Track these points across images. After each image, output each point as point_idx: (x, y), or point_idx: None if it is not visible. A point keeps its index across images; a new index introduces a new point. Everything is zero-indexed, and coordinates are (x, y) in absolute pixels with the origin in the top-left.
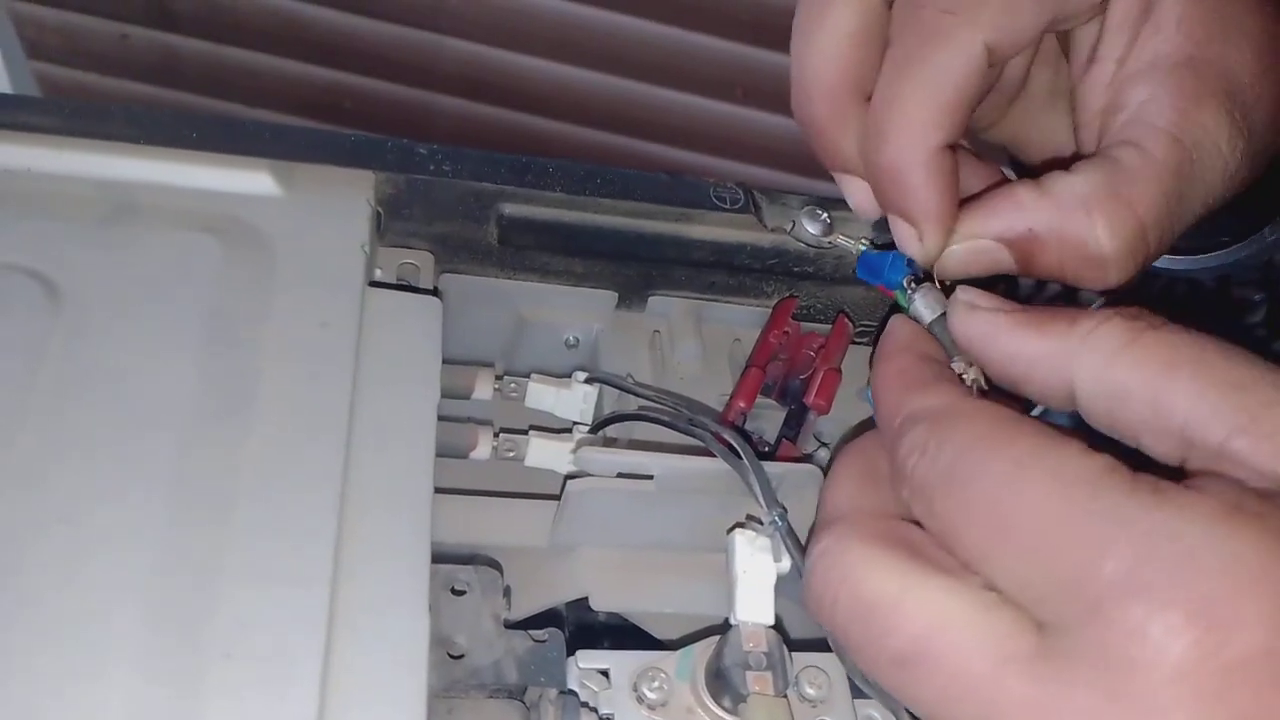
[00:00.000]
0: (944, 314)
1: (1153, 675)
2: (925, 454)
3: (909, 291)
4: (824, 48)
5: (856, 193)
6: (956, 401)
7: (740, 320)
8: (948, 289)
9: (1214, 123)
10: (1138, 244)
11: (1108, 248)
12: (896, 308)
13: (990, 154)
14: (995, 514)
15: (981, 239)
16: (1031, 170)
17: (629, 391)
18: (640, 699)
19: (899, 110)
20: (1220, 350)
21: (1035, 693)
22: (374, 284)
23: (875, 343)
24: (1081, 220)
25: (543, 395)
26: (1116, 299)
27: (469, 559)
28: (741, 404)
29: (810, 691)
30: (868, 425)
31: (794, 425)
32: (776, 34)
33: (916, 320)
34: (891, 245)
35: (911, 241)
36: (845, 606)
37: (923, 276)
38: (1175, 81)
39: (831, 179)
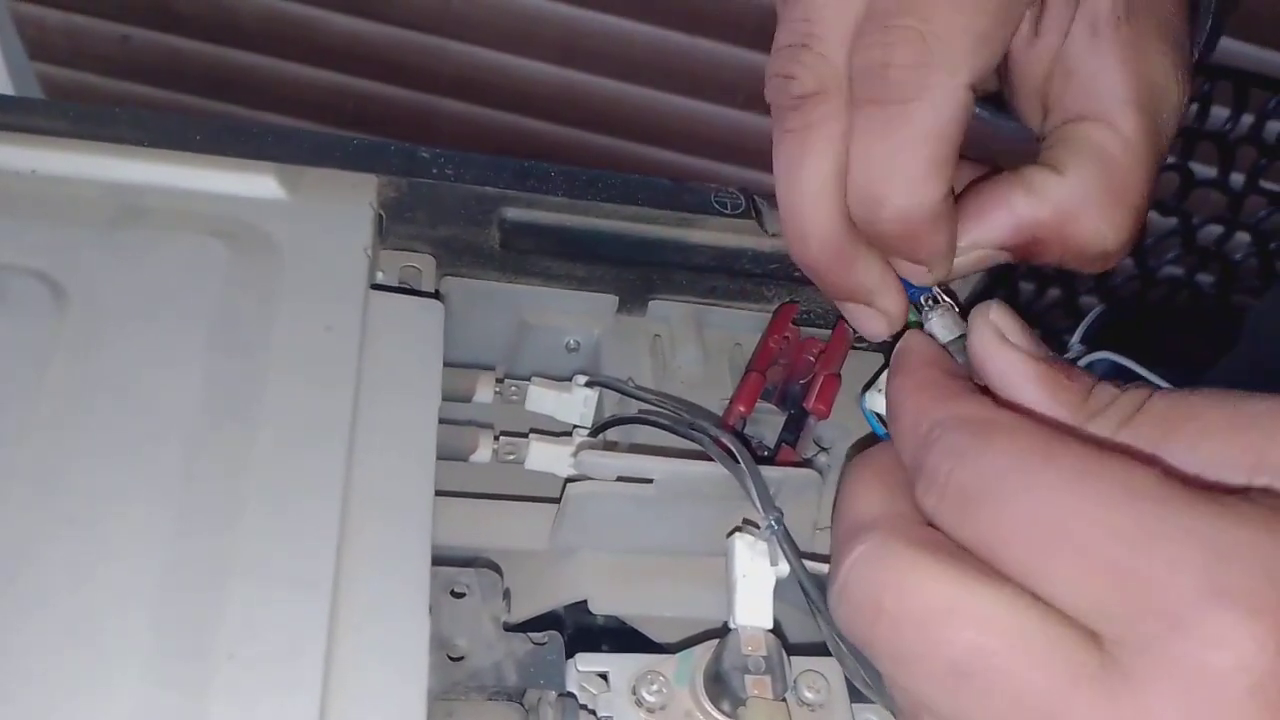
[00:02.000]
0: (962, 335)
1: (1236, 684)
2: (965, 460)
3: (925, 309)
4: (811, 192)
5: (867, 321)
6: (997, 411)
7: (741, 325)
8: (962, 308)
9: (1164, 75)
10: (1136, 228)
11: (1112, 243)
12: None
13: None
14: (1052, 525)
15: (981, 250)
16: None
17: (629, 395)
18: (639, 702)
19: (897, 176)
20: (1215, 400)
21: (1107, 708)
22: (376, 287)
23: (887, 356)
24: (1084, 223)
25: (543, 399)
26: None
27: (469, 561)
28: (741, 408)
29: (809, 695)
30: (871, 440)
31: (794, 430)
32: None
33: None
34: None
35: (920, 276)
36: (892, 615)
37: (936, 296)
38: (1121, 41)
39: None
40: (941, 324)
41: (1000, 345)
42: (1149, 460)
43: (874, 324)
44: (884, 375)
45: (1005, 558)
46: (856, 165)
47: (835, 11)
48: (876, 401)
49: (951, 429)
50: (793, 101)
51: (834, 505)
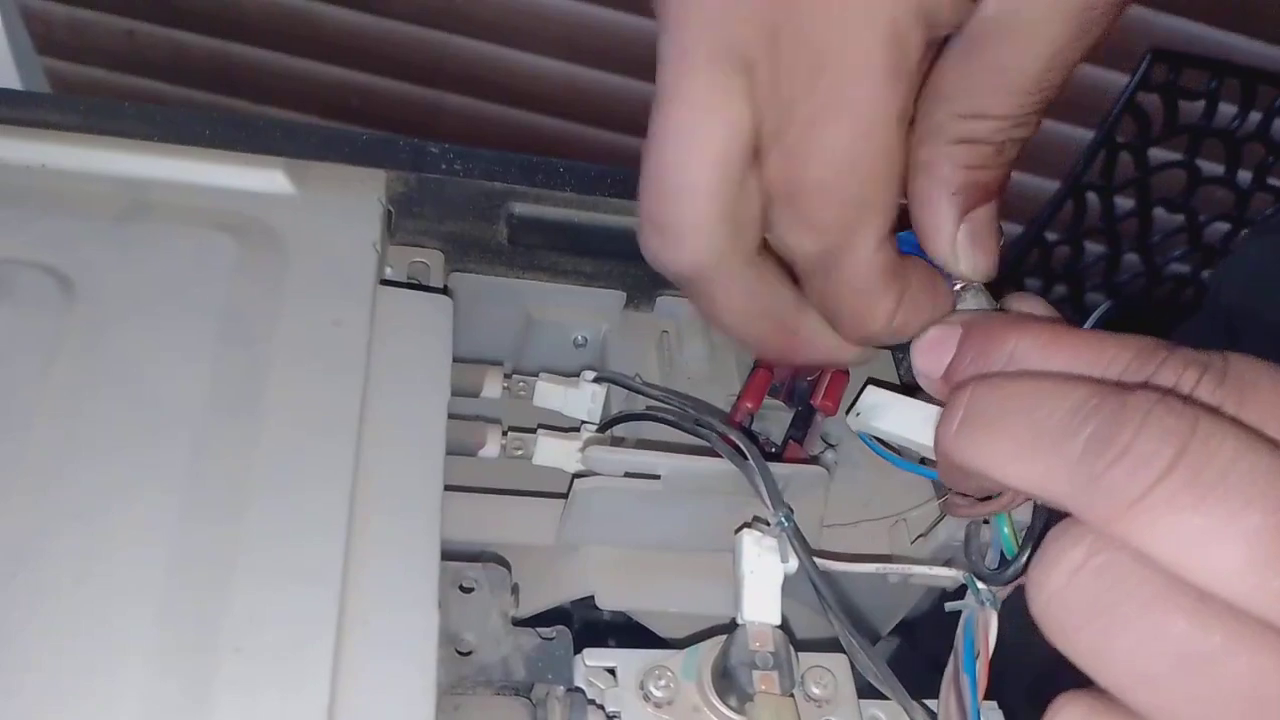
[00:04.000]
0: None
1: None
2: (1211, 369)
3: (957, 289)
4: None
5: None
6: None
7: None
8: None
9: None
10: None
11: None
12: None
13: None
14: None
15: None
16: None
17: (637, 391)
18: (647, 697)
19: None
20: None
21: None
22: (385, 282)
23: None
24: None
25: (551, 394)
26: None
27: (477, 556)
28: (749, 405)
29: (816, 691)
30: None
31: (801, 426)
32: None
33: None
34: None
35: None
36: (1203, 442)
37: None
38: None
39: None
40: (975, 303)
41: (1057, 317)
42: None
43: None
44: (866, 394)
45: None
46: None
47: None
48: (861, 423)
49: (1178, 350)
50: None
51: (1007, 403)
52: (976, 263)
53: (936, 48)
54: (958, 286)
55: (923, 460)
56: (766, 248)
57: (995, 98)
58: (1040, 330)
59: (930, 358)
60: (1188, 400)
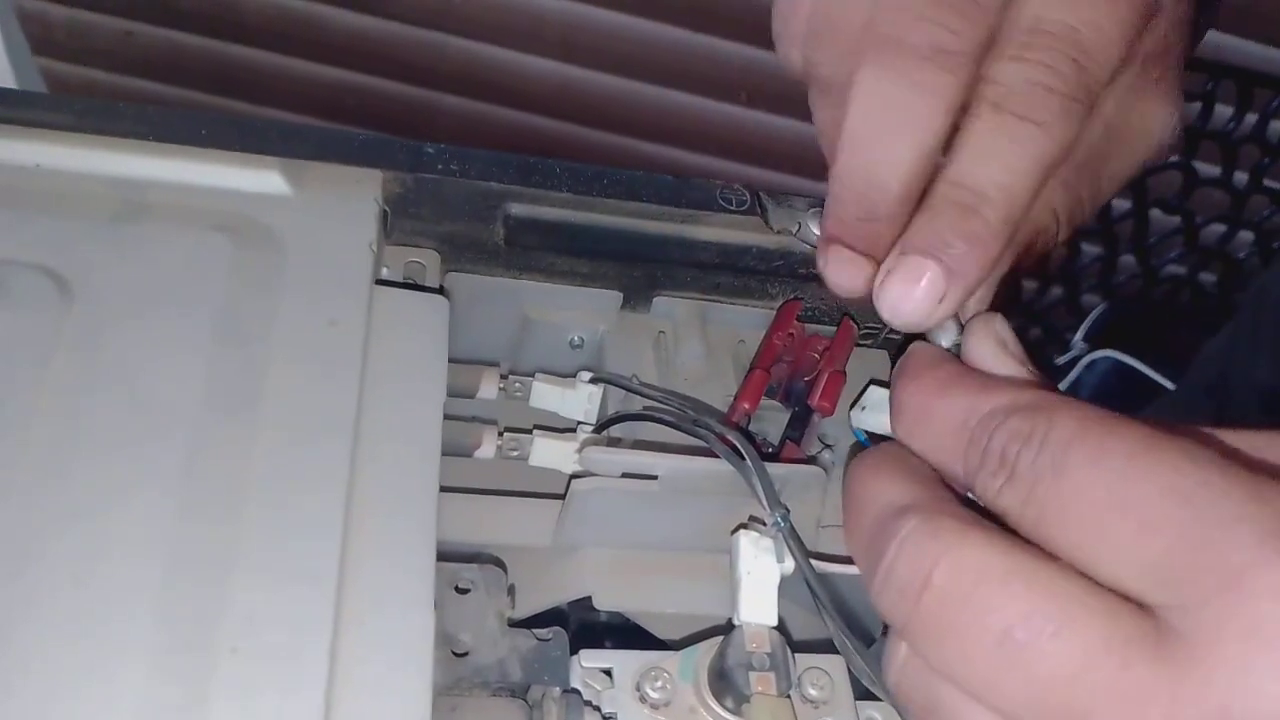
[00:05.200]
0: (957, 344)
1: None
2: (1031, 442)
3: None
4: (914, 146)
5: (853, 269)
6: (1049, 394)
7: (745, 322)
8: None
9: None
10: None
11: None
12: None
13: None
14: (1115, 491)
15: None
16: None
17: (633, 392)
18: (643, 698)
19: (1013, 187)
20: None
21: (1165, 673)
22: (381, 282)
23: (896, 358)
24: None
25: (547, 395)
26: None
27: (473, 557)
28: (746, 405)
29: (813, 692)
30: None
31: (798, 427)
32: None
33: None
34: None
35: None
36: (940, 587)
37: None
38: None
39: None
40: (947, 331)
41: (1003, 356)
42: (1204, 439)
43: (858, 274)
44: (870, 392)
45: (1059, 534)
46: (973, 156)
47: None
48: (864, 420)
49: (1009, 413)
50: (934, 53)
51: (851, 501)
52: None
53: None
54: None
55: None
56: None
57: None
58: (918, 386)
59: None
60: (978, 513)
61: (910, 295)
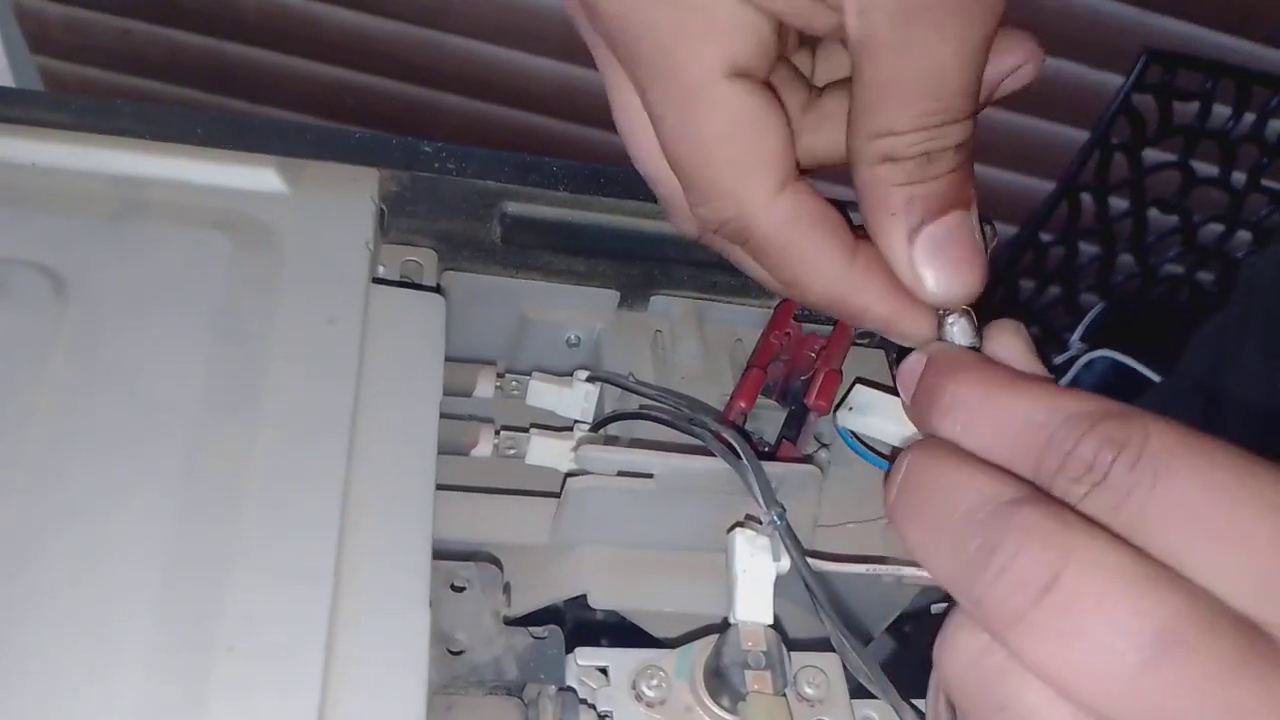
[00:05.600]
0: (974, 348)
1: None
2: (1129, 449)
3: (941, 314)
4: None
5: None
6: (1132, 407)
7: (742, 320)
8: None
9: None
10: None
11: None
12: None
13: None
14: (1226, 509)
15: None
16: None
17: (630, 390)
18: (639, 697)
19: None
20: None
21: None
22: (377, 281)
23: (894, 357)
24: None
25: (544, 393)
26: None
27: (469, 556)
28: (742, 404)
29: (808, 691)
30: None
31: (794, 426)
32: None
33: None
34: None
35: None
36: (1070, 586)
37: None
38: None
39: (830, 182)
40: (962, 332)
41: (1031, 360)
42: None
43: (922, 324)
44: (856, 393)
45: (1155, 544)
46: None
47: None
48: (851, 420)
49: (1104, 419)
50: None
51: (927, 490)
52: (946, 280)
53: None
54: (945, 315)
55: None
56: None
57: (894, 114)
58: (981, 381)
59: (903, 386)
60: (1077, 512)
61: (945, 258)
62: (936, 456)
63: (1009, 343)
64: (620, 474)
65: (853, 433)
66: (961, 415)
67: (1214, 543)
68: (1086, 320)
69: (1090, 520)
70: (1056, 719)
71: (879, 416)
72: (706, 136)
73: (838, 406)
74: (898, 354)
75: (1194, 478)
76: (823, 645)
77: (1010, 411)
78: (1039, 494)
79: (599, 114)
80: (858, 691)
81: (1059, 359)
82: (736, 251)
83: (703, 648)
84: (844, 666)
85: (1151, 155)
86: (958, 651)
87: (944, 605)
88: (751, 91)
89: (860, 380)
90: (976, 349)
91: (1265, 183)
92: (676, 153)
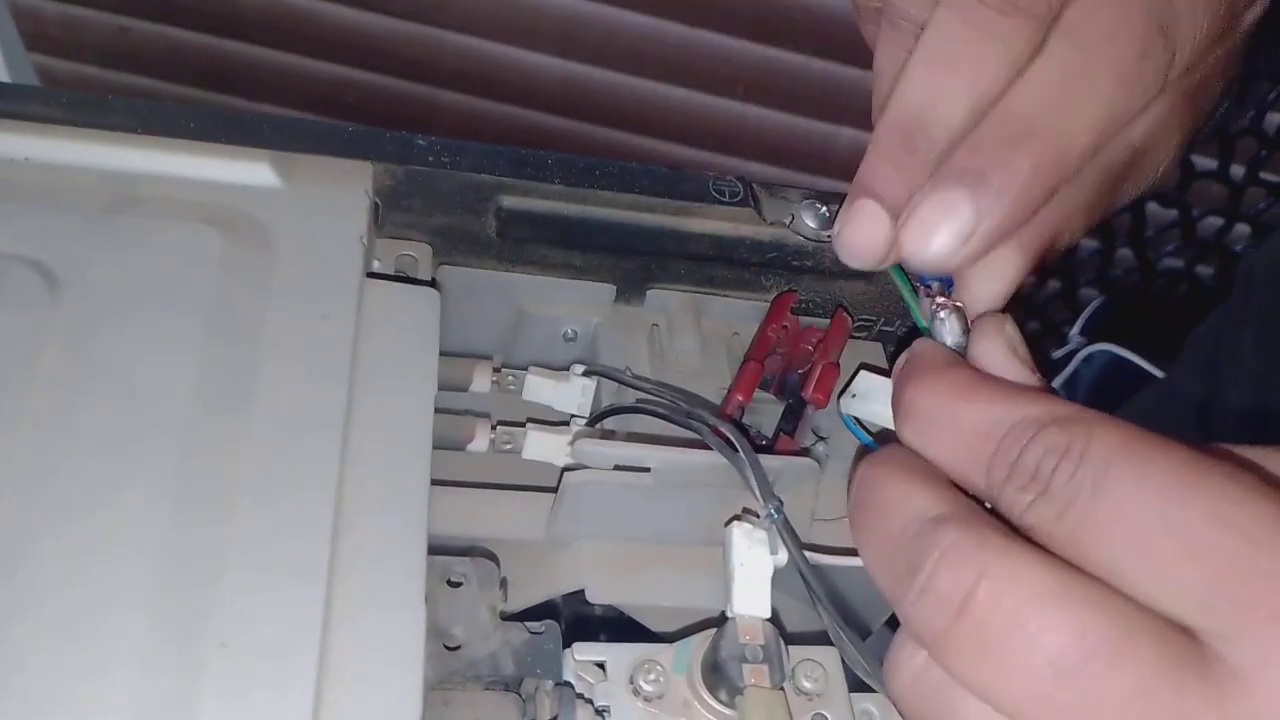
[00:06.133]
0: (962, 345)
1: None
2: (1070, 456)
3: (934, 309)
4: (972, 86)
5: (872, 226)
6: (1083, 409)
7: (739, 314)
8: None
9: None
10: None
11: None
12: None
13: None
14: (1165, 517)
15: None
16: None
17: (627, 384)
18: (636, 691)
19: (1077, 122)
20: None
21: (1212, 697)
22: (372, 275)
23: (892, 350)
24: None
25: (540, 388)
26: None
27: (466, 551)
28: (739, 398)
29: (807, 685)
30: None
31: (792, 419)
32: (779, 31)
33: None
34: None
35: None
36: (985, 603)
37: (946, 300)
38: None
39: (830, 176)
40: (950, 329)
41: (1012, 360)
42: (1243, 462)
43: (877, 231)
44: (860, 379)
45: (1095, 554)
46: (1032, 90)
47: None
48: (854, 407)
49: (1048, 426)
50: (1010, 7)
51: (868, 505)
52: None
53: None
54: (936, 311)
55: None
56: None
57: None
58: (939, 390)
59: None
60: (1010, 526)
61: (938, 227)
62: (881, 470)
63: (989, 345)
64: (617, 468)
65: (856, 419)
66: (922, 424)
67: (1150, 552)
68: (1085, 314)
69: (1026, 532)
70: None
71: (882, 403)
72: None
73: (842, 392)
74: (895, 347)
75: (1133, 484)
76: (821, 639)
77: (962, 420)
78: (965, 511)
79: (600, 110)
80: (856, 685)
81: (1058, 353)
82: None
83: (700, 642)
84: (842, 660)
85: None
86: (900, 668)
87: None
88: None
89: (864, 366)
90: (964, 346)
91: (1264, 176)
92: None
